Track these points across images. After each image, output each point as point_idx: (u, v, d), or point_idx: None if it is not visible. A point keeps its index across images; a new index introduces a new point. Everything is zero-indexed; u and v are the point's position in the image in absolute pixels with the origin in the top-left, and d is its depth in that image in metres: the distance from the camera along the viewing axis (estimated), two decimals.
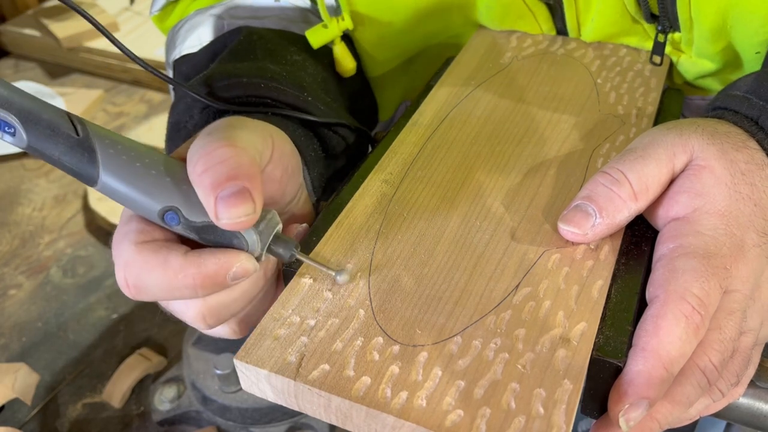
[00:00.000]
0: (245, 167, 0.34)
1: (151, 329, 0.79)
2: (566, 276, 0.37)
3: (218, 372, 0.66)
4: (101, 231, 0.92)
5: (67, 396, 0.72)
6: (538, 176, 0.44)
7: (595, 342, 0.34)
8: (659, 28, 0.52)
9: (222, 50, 0.54)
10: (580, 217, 0.38)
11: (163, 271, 0.34)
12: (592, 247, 0.39)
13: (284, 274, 0.40)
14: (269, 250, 0.37)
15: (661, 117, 0.50)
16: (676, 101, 0.53)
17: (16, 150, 1.07)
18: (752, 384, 0.45)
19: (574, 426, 0.52)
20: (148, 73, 1.26)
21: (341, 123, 0.50)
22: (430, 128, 0.49)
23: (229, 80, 0.48)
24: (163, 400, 0.73)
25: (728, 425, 0.52)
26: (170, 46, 0.61)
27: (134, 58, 0.43)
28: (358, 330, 0.35)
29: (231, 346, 0.72)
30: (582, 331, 0.34)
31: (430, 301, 0.36)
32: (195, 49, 0.56)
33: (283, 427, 0.69)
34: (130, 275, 0.35)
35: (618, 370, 0.33)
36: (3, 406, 0.67)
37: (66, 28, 1.35)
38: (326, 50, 0.57)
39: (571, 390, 0.31)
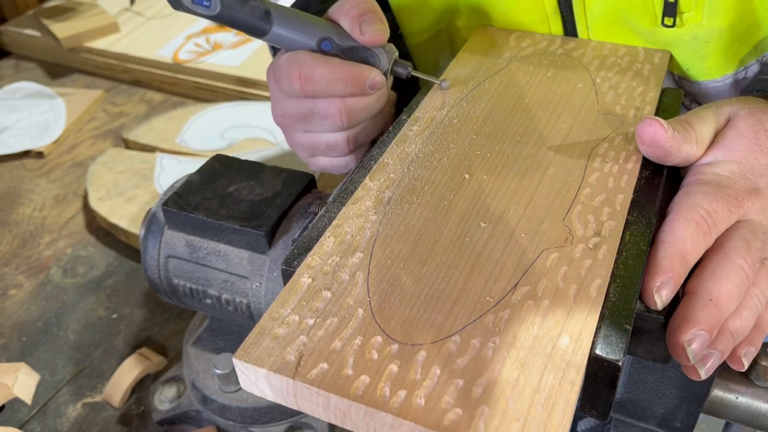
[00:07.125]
0: (377, 8, 0.50)
1: (151, 329, 0.79)
2: (565, 275, 0.37)
3: (218, 371, 0.66)
4: (101, 231, 0.92)
5: (67, 396, 0.72)
6: (537, 175, 0.44)
7: (593, 341, 0.34)
8: None
9: None
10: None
11: (327, 66, 0.49)
12: (591, 246, 0.39)
13: (283, 273, 0.40)
14: (392, 71, 0.52)
15: (659, 116, 0.50)
16: (675, 100, 0.53)
17: (16, 150, 1.07)
18: (752, 383, 0.45)
19: (573, 425, 0.52)
20: (148, 73, 1.25)
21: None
22: (430, 127, 0.49)
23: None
24: (163, 399, 0.73)
25: (727, 424, 0.52)
26: None
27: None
28: (356, 329, 0.35)
29: (230, 346, 0.72)
30: (580, 330, 0.34)
31: (429, 300, 0.36)
32: None
33: (282, 427, 0.69)
34: (303, 68, 0.49)
35: (617, 369, 0.33)
36: (3, 406, 0.67)
37: (66, 29, 1.35)
38: None
39: (570, 389, 0.32)
